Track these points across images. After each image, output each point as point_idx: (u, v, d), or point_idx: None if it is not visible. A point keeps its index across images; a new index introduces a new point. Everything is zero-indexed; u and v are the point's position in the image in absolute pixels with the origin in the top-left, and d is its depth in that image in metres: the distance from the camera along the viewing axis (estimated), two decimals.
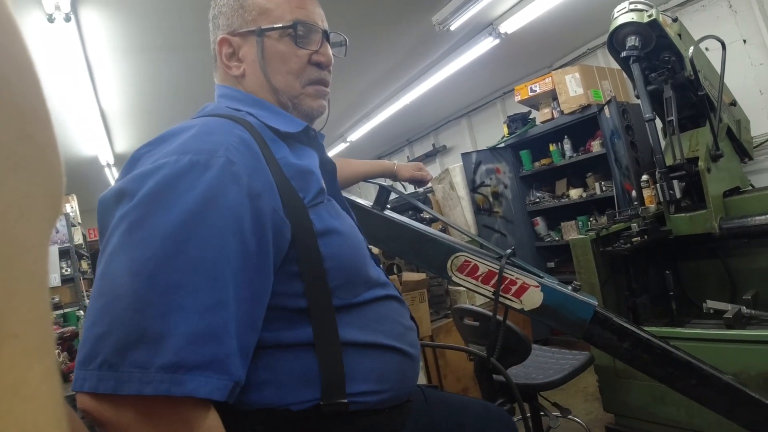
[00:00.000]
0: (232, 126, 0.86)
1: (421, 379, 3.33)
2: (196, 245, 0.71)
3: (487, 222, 4.78)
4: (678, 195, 2.54)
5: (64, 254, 4.88)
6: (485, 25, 3.82)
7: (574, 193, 4.48)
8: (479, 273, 1.50)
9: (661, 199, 2.61)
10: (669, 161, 2.57)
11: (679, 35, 2.59)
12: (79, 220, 5.65)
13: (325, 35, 1.06)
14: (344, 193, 1.65)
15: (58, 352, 2.75)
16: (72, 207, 5.38)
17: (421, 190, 4.83)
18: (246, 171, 0.79)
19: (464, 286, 1.53)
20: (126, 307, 0.66)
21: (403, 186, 1.87)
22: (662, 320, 2.60)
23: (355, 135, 6.57)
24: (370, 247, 1.13)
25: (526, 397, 2.32)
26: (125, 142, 5.18)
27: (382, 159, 8.98)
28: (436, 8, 3.37)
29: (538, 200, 4.88)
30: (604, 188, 4.16)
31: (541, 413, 2.33)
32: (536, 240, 4.92)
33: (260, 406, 0.82)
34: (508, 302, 1.48)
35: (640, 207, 2.99)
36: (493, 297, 1.48)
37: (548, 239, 4.82)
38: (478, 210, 4.78)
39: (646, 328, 2.29)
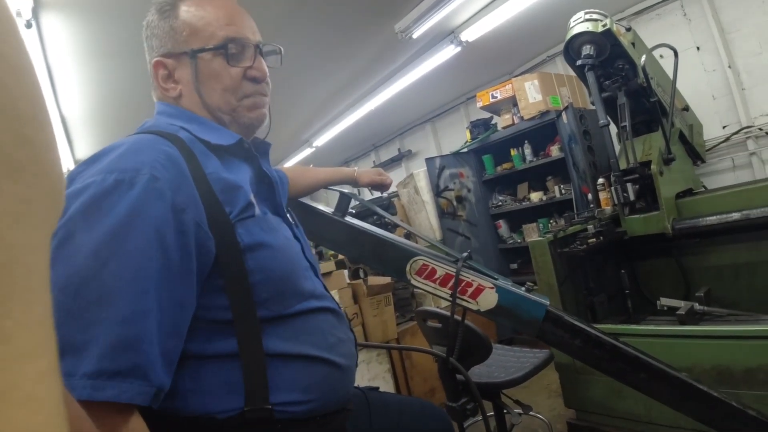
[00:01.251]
0: (160, 142, 0.88)
1: (389, 381, 3.36)
2: (119, 260, 0.74)
3: (452, 225, 4.85)
4: (632, 197, 2.63)
5: None
6: (447, 33, 3.89)
7: (535, 197, 4.59)
8: (437, 276, 1.53)
9: (616, 202, 2.71)
10: (623, 165, 2.67)
11: (633, 44, 2.70)
12: None
13: (258, 49, 1.06)
14: (306, 200, 1.67)
15: None
16: None
17: (385, 194, 4.87)
18: (170, 186, 0.82)
19: (423, 289, 1.56)
20: (54, 320, 0.67)
21: (371, 192, 1.89)
22: (619, 318, 2.69)
23: (321, 140, 6.57)
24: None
25: (489, 395, 2.37)
26: (86, 148, 5.07)
27: (348, 163, 9.01)
28: (398, 17, 3.41)
29: (500, 203, 4.98)
30: (563, 191, 4.28)
31: (504, 411, 2.39)
32: (499, 242, 5.02)
33: (187, 414, 0.85)
34: (465, 304, 1.51)
35: (597, 209, 3.08)
36: (450, 299, 1.51)
37: (511, 241, 4.92)
38: (442, 214, 4.85)
39: (602, 326, 2.39)
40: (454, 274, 1.51)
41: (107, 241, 0.74)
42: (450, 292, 1.52)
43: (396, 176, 7.11)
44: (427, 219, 4.98)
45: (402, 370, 3.45)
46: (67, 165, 5.19)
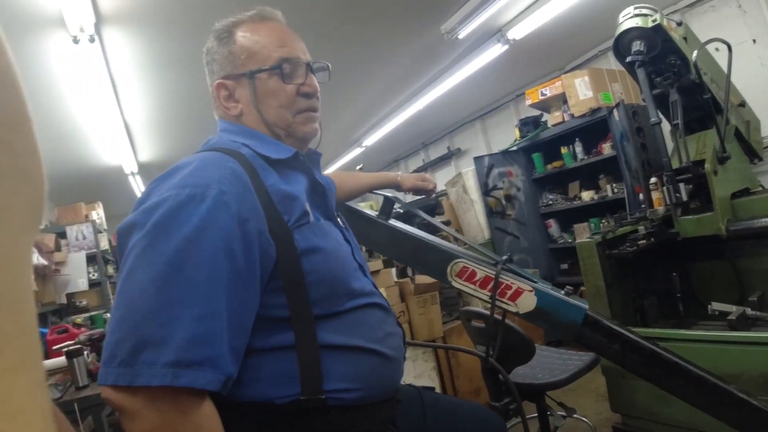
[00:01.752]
0: (226, 160, 0.99)
1: (434, 380, 3.40)
2: (193, 266, 0.85)
3: (500, 225, 4.83)
4: (684, 198, 2.56)
5: (91, 260, 5.03)
6: (493, 33, 3.87)
7: (586, 195, 4.51)
8: (477, 278, 1.56)
9: (668, 202, 2.64)
10: (675, 164, 2.60)
11: (685, 39, 2.62)
12: (105, 227, 5.81)
13: (309, 67, 1.17)
14: (353, 203, 1.74)
15: (87, 353, 2.86)
16: (98, 214, 5.54)
17: (433, 195, 4.91)
18: (236, 199, 0.92)
19: (463, 291, 1.60)
20: (137, 318, 0.81)
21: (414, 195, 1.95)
22: (669, 321, 2.62)
23: (371, 140, 6.66)
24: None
25: (533, 396, 2.38)
26: (148, 152, 5.38)
27: (398, 162, 9.07)
28: (444, 18, 3.43)
29: (550, 202, 4.92)
30: (615, 190, 4.19)
31: (548, 413, 2.39)
32: (549, 242, 4.96)
33: (249, 400, 0.94)
34: (504, 306, 1.54)
35: (648, 209, 3.01)
36: (490, 301, 1.55)
37: (561, 241, 4.85)
38: (491, 213, 4.84)
39: (650, 330, 2.35)
40: (493, 276, 1.54)
41: (183, 249, 0.85)
42: (490, 294, 1.55)
43: (445, 175, 7.12)
44: (475, 218, 4.99)
45: (448, 368, 3.48)
46: (131, 168, 5.50)
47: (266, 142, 1.12)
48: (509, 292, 1.54)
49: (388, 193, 1.76)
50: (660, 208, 2.97)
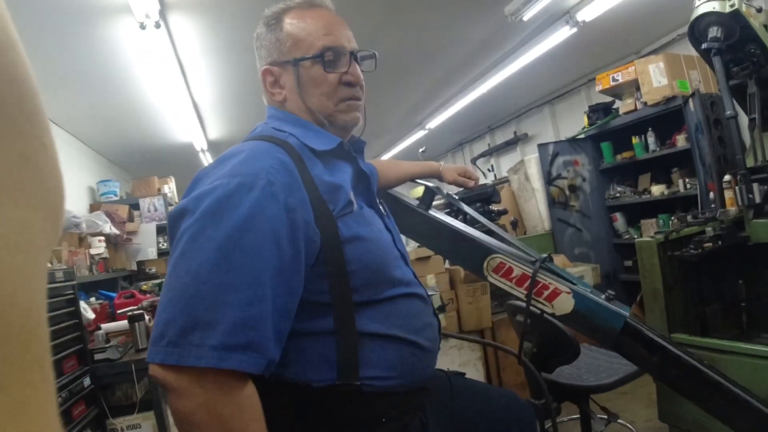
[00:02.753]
0: (275, 150, 1.01)
1: (480, 370, 3.36)
2: (241, 252, 0.87)
3: (562, 216, 4.67)
4: (757, 199, 2.37)
5: (161, 230, 5.28)
6: (561, 14, 3.68)
7: (657, 190, 4.26)
8: (513, 275, 1.52)
9: (740, 203, 2.45)
10: (750, 162, 2.41)
11: (765, 26, 2.40)
12: (176, 200, 6.09)
13: (353, 56, 1.15)
14: (394, 191, 1.73)
15: (148, 318, 3.01)
16: (170, 188, 5.82)
17: (489, 182, 4.79)
18: (283, 189, 0.94)
19: (499, 287, 1.56)
20: (187, 301, 0.85)
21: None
22: (731, 332, 2.45)
23: (434, 122, 6.57)
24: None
25: (577, 398, 2.30)
26: (216, 129, 5.58)
27: (462, 146, 8.93)
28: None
29: (618, 195, 4.68)
30: (688, 186, 3.93)
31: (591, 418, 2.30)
32: (614, 237, 4.73)
33: (288, 381, 0.97)
34: (540, 306, 1.49)
35: (719, 209, 2.81)
36: (525, 300, 1.50)
37: (627, 236, 4.61)
38: (552, 203, 4.68)
39: (707, 340, 2.20)
40: (530, 274, 1.49)
41: (232, 236, 0.87)
42: (526, 292, 1.50)
43: (510, 160, 6.95)
44: (536, 208, 4.84)
45: (495, 359, 3.42)
46: (201, 145, 5.72)
47: (312, 131, 1.13)
48: (546, 292, 1.49)
49: (430, 183, 1.74)
50: (732, 209, 2.76)
